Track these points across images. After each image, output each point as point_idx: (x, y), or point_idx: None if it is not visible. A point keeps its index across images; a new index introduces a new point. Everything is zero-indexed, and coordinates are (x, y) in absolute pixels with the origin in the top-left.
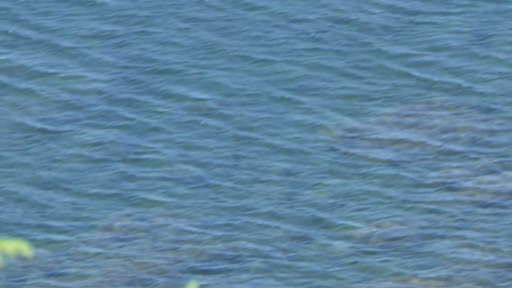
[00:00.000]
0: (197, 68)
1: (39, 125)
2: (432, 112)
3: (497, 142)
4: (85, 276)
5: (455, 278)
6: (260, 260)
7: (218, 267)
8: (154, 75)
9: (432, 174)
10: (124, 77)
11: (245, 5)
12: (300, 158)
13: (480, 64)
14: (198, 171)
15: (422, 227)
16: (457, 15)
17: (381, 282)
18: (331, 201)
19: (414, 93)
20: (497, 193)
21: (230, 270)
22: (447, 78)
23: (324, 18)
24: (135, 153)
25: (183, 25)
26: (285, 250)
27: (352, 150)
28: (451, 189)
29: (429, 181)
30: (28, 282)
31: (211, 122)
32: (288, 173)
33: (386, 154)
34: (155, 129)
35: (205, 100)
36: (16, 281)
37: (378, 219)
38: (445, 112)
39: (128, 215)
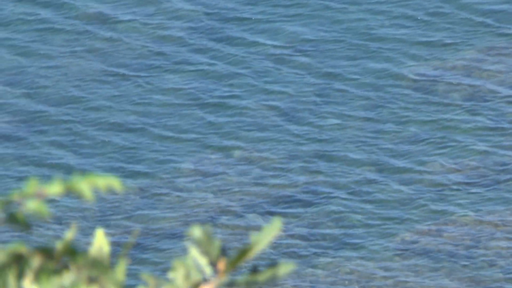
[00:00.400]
0: (276, 16)
1: (121, 71)
2: (507, 59)
3: None
4: (166, 218)
5: None
6: (335, 203)
7: (294, 210)
8: (233, 23)
9: (506, 118)
10: (203, 25)
11: None
12: (378, 104)
13: None
14: (277, 117)
15: (499, 170)
16: None
17: (462, 212)
18: (407, 147)
19: (487, 40)
20: None
21: (306, 213)
22: None
23: None
24: (215, 99)
25: None
26: (359, 193)
27: (428, 96)
28: None
29: (505, 125)
30: (113, 221)
31: (291, 69)
32: (366, 119)
33: (460, 99)
34: (234, 76)
35: (285, 47)
36: (102, 219)
37: (453, 163)
38: None
39: (208, 159)
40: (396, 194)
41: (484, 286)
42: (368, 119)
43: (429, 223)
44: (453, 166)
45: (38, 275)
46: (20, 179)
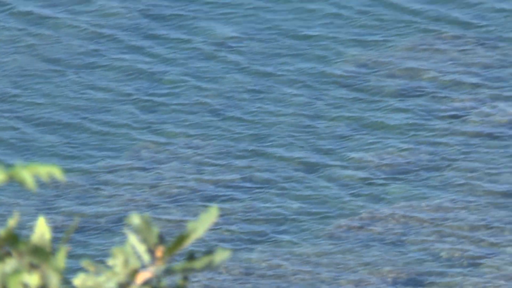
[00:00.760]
0: (207, 14)
1: (56, 67)
2: (443, 45)
3: (506, 75)
4: (101, 213)
5: (459, 204)
6: (275, 187)
7: (227, 205)
8: (165, 21)
9: (441, 106)
10: (136, 23)
11: None
12: (307, 101)
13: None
14: (209, 114)
15: (431, 158)
16: None
17: (388, 207)
18: (344, 133)
19: (414, 37)
20: (504, 124)
21: (246, 198)
22: (458, 13)
23: None
24: (148, 96)
25: None
26: (288, 189)
27: (365, 83)
28: (459, 119)
29: (439, 113)
30: (58, 208)
31: (222, 67)
32: (296, 116)
33: (387, 96)
34: (167, 73)
35: (216, 45)
36: (47, 207)
37: (388, 149)
38: (455, 46)
39: (152, 145)
40: (325, 190)
41: (411, 281)
42: (298, 116)
43: (356, 218)
44: (380, 161)
45: None
46: None
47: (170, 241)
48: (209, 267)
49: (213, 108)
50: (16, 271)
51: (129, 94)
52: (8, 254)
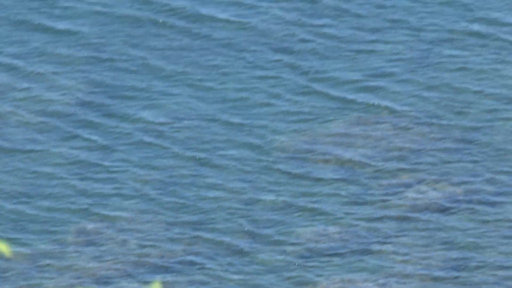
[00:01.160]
0: (157, 93)
1: (7, 145)
2: (373, 132)
3: (432, 159)
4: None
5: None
6: (202, 272)
7: (165, 278)
8: (117, 99)
9: (371, 191)
10: (85, 100)
11: (197, 34)
12: (249, 176)
13: (415, 88)
14: (152, 188)
15: (359, 242)
16: (396, 43)
17: None
18: (275, 217)
19: (355, 113)
20: (430, 208)
21: (173, 282)
22: (388, 102)
23: (269, 47)
24: (95, 171)
25: (141, 53)
26: (227, 263)
27: (295, 168)
28: (388, 204)
29: (368, 198)
30: None
31: (166, 143)
32: (239, 191)
33: (326, 171)
34: (117, 149)
35: (161, 123)
36: None
37: (316, 234)
38: (384, 131)
39: (88, 228)
40: (269, 262)
41: None
42: (233, 201)
43: None
44: (314, 245)
45: None
46: None
47: None
48: None
49: (148, 193)
50: None
51: (83, 169)
52: None
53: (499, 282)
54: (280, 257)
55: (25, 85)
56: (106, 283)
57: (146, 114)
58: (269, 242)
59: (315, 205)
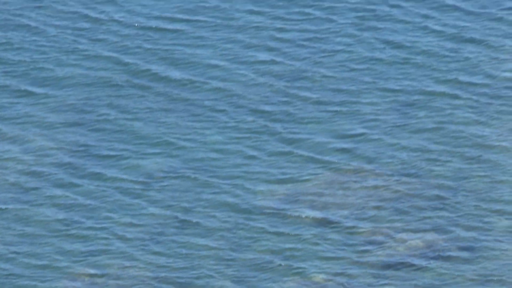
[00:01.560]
0: (134, 153)
1: None
2: (348, 191)
3: (405, 217)
4: None
5: None
6: None
7: None
8: (95, 160)
9: (346, 247)
10: (65, 161)
11: (176, 96)
12: (238, 223)
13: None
14: (134, 246)
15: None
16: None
17: None
18: (254, 273)
19: (334, 166)
20: (404, 263)
21: None
22: (362, 162)
23: (245, 109)
24: (77, 230)
25: (120, 115)
26: None
27: (273, 227)
28: (362, 260)
29: (343, 254)
30: None
31: (146, 203)
32: (227, 238)
33: (302, 229)
34: (95, 209)
35: (141, 182)
36: None
37: (305, 279)
38: (359, 190)
39: (85, 276)
40: None
41: None
42: (221, 249)
43: None
44: None
45: None
46: None
47: None
48: None
49: (130, 251)
50: None
51: (63, 227)
52: None
53: None
54: None
55: (7, 147)
56: None
57: (126, 174)
58: None
59: (292, 262)
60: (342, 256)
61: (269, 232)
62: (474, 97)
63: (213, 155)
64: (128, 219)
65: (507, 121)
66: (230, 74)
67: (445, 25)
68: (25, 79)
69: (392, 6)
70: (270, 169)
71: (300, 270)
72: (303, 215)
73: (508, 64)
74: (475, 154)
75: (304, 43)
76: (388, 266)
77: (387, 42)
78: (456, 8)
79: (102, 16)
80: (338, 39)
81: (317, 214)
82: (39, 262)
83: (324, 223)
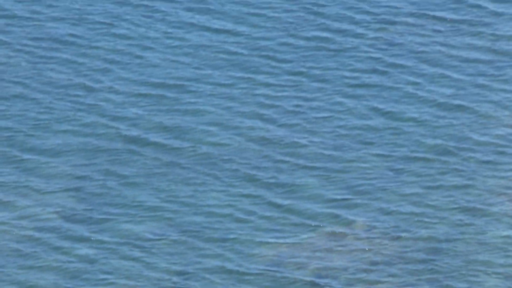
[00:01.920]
0: (141, 210)
1: None
2: (345, 246)
3: (400, 271)
4: None
5: None
6: None
7: None
8: (101, 215)
9: None
10: (73, 216)
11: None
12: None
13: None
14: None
15: None
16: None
17: None
18: None
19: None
20: None
21: None
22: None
23: (245, 166)
24: (84, 284)
25: (127, 171)
26: None
27: (273, 280)
28: None
29: None
30: None
31: (152, 258)
32: None
33: (301, 282)
34: (103, 263)
35: (147, 239)
36: None
37: None
38: (356, 245)
39: None
40: None
41: None
42: None
43: None
44: None
45: None
46: None
47: None
48: None
49: None
50: None
51: None
52: None
53: None
54: None
55: (2, 213)
56: None
57: (121, 238)
58: None
59: None
60: None
61: (269, 286)
62: (463, 162)
63: (206, 218)
64: (123, 281)
65: (494, 186)
66: (222, 140)
67: (432, 92)
68: (22, 146)
69: (381, 73)
70: (261, 232)
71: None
72: (302, 268)
73: (494, 130)
74: (463, 217)
75: (295, 109)
76: None
77: (375, 109)
78: (443, 76)
79: (96, 84)
80: (328, 106)
81: (315, 267)
82: None
83: (315, 286)
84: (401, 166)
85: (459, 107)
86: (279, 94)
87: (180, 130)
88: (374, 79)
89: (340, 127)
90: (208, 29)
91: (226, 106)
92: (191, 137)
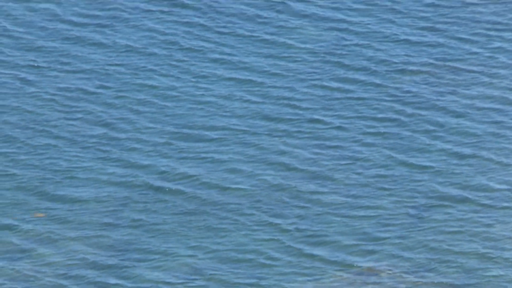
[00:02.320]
0: (164, 255)
1: None
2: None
3: None
4: None
5: None
6: None
7: None
8: (126, 261)
9: None
10: (98, 263)
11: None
12: None
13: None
14: None
15: None
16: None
17: None
18: None
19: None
20: None
21: None
22: (377, 263)
23: (261, 211)
24: None
25: (148, 218)
26: None
27: None
28: None
29: None
30: None
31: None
32: None
33: None
34: None
35: (170, 283)
36: None
37: None
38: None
39: None
40: None
41: None
42: None
43: None
44: None
45: None
46: None
47: None
48: None
49: None
50: None
51: None
52: None
53: None
54: None
55: (43, 249)
56: None
57: (159, 276)
58: None
59: None
60: None
61: None
62: (481, 209)
63: (234, 254)
64: None
65: None
66: (245, 187)
67: (448, 141)
68: (51, 194)
69: (398, 122)
70: (287, 267)
71: None
72: None
73: (511, 177)
74: (482, 264)
75: (314, 157)
76: None
77: (392, 158)
78: (459, 125)
79: (122, 134)
80: (347, 154)
81: None
82: None
83: None
84: (419, 213)
85: (475, 156)
86: (299, 142)
87: (204, 178)
88: (392, 128)
89: (358, 174)
90: (231, 79)
91: (249, 155)
92: (215, 185)
